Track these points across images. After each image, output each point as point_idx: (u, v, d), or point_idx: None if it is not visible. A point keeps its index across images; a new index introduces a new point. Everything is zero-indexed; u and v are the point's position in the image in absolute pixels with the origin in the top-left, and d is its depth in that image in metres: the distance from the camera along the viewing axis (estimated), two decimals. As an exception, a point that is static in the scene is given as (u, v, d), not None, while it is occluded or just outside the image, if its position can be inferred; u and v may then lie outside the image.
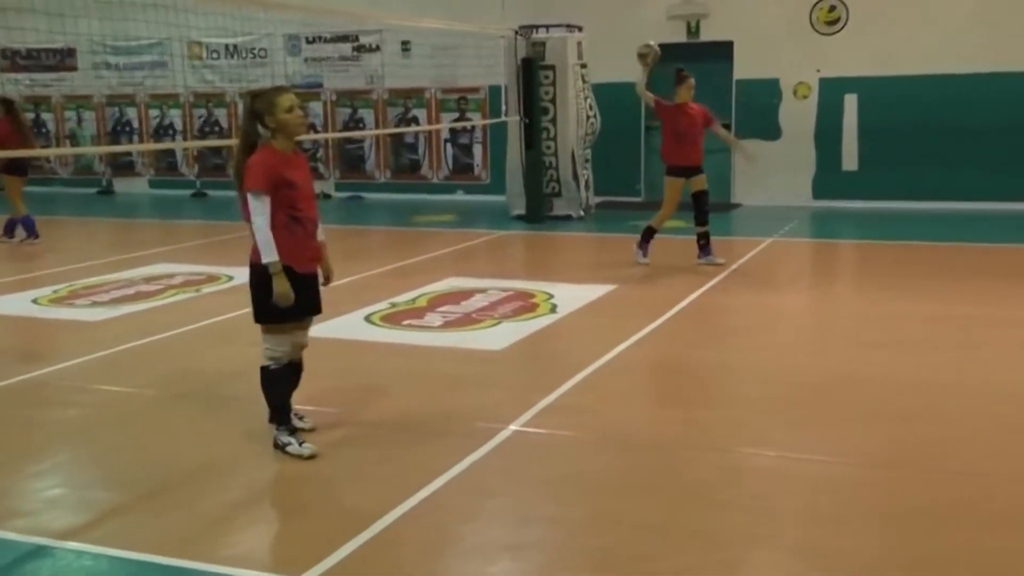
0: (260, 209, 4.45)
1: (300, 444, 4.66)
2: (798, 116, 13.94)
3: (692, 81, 9.24)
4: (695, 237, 9.41)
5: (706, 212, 9.33)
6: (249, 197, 4.47)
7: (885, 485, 4.24)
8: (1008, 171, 13.05)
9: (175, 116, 17.51)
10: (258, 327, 4.75)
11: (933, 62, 13.18)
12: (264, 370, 4.72)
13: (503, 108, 13.31)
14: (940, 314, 7.39)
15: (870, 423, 5.00)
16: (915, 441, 4.73)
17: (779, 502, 4.11)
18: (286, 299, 4.49)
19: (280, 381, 4.72)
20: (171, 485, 4.37)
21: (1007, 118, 12.96)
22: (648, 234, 9.43)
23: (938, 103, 13.24)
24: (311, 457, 4.60)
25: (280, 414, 4.72)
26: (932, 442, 4.72)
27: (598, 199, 13.93)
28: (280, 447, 4.67)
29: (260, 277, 4.55)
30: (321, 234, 4.81)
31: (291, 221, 4.56)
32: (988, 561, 3.54)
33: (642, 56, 9.44)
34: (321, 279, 4.86)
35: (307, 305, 4.72)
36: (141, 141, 17.56)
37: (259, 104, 4.56)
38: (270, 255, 4.45)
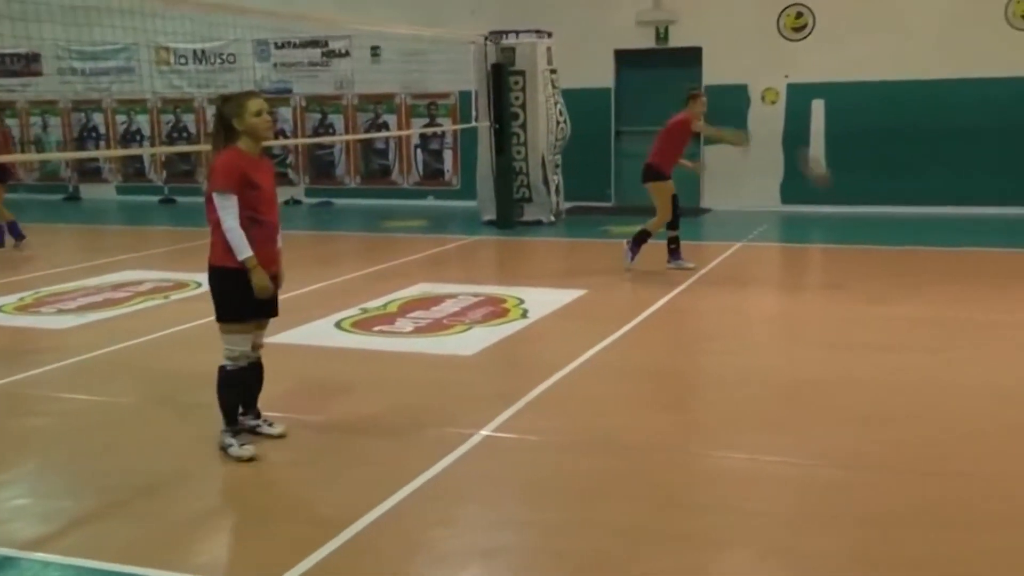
0: (229, 209, 4.53)
1: (240, 446, 4.71)
2: (766, 121, 14.05)
3: (705, 99, 9.49)
4: (665, 242, 9.45)
5: (679, 216, 9.38)
6: (216, 197, 4.53)
7: (858, 487, 4.27)
8: (974, 175, 13.23)
9: (142, 121, 17.37)
10: (227, 334, 4.75)
11: (899, 68, 13.35)
12: (222, 370, 4.77)
13: (473, 114, 13.32)
14: (910, 316, 7.46)
15: (842, 425, 5.04)
16: (887, 443, 4.77)
17: (751, 505, 4.13)
18: (266, 291, 4.60)
19: (236, 383, 4.79)
20: (139, 493, 4.32)
21: (972, 123, 13.13)
22: (642, 238, 9.42)
23: (904, 108, 13.40)
24: (250, 459, 4.65)
25: (230, 416, 4.78)
26: (904, 444, 4.76)
27: (568, 204, 13.96)
28: (223, 448, 4.73)
29: (220, 277, 4.64)
30: (279, 240, 4.87)
31: (251, 223, 4.61)
32: (961, 562, 3.58)
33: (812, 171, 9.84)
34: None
35: (265, 306, 4.79)
36: (108, 147, 17.40)
37: (228, 107, 4.64)
38: (244, 251, 4.54)
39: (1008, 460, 4.53)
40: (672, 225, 9.37)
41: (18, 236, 11.41)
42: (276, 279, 4.88)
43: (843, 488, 4.27)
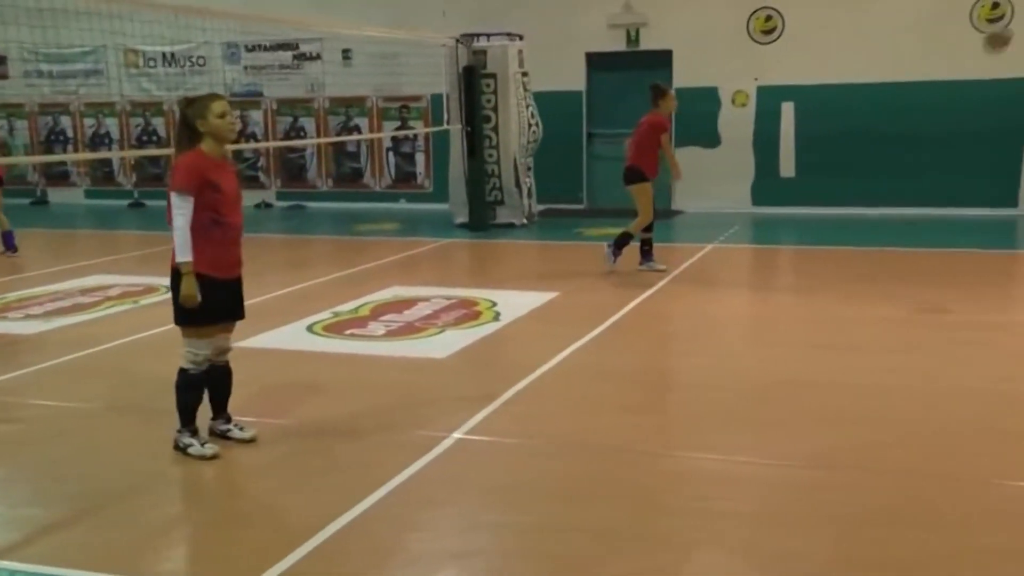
0: (181, 209, 4.52)
1: (203, 444, 4.70)
2: (737, 124, 14.15)
3: (673, 92, 9.43)
4: (639, 243, 9.48)
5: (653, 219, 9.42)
6: (172, 197, 4.54)
7: (829, 487, 4.29)
8: (942, 176, 13.38)
9: (111, 125, 17.22)
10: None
11: (867, 70, 13.48)
12: (183, 373, 4.75)
13: (445, 116, 13.31)
14: (879, 317, 7.53)
15: (813, 426, 5.07)
16: (857, 443, 4.80)
17: (724, 505, 4.14)
18: (192, 300, 4.55)
19: (196, 386, 4.77)
20: (107, 500, 4.28)
21: (940, 126, 13.29)
22: (624, 240, 9.42)
23: (872, 111, 13.53)
24: (213, 457, 4.65)
25: (186, 416, 4.76)
26: (873, 444, 4.79)
27: (541, 207, 13.98)
28: (181, 449, 4.72)
29: (179, 280, 4.61)
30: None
31: (213, 225, 4.60)
32: (934, 562, 3.61)
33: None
34: None
35: (228, 309, 4.77)
36: (76, 150, 17.23)
37: (192, 109, 4.63)
38: (184, 255, 4.53)
39: (976, 460, 4.57)
40: (646, 227, 9.41)
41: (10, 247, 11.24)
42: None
43: (814, 488, 4.29)
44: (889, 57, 13.36)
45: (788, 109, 13.96)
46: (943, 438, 4.86)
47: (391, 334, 7.21)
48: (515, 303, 8.14)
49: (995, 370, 6.08)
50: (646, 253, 9.48)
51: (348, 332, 7.29)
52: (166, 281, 4.81)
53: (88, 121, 17.34)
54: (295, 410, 5.49)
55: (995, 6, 13.04)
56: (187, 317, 4.66)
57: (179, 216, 4.52)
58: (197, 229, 4.55)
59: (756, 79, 14.04)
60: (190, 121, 4.62)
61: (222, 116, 4.61)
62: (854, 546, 3.72)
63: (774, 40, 13.94)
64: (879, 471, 4.46)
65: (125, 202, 16.96)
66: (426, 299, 8.35)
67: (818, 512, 4.03)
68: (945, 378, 5.90)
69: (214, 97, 4.67)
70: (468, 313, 7.84)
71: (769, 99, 14.01)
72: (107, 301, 8.56)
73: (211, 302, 4.60)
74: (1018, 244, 11.98)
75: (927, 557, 3.62)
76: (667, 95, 9.33)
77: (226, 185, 4.67)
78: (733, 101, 14.19)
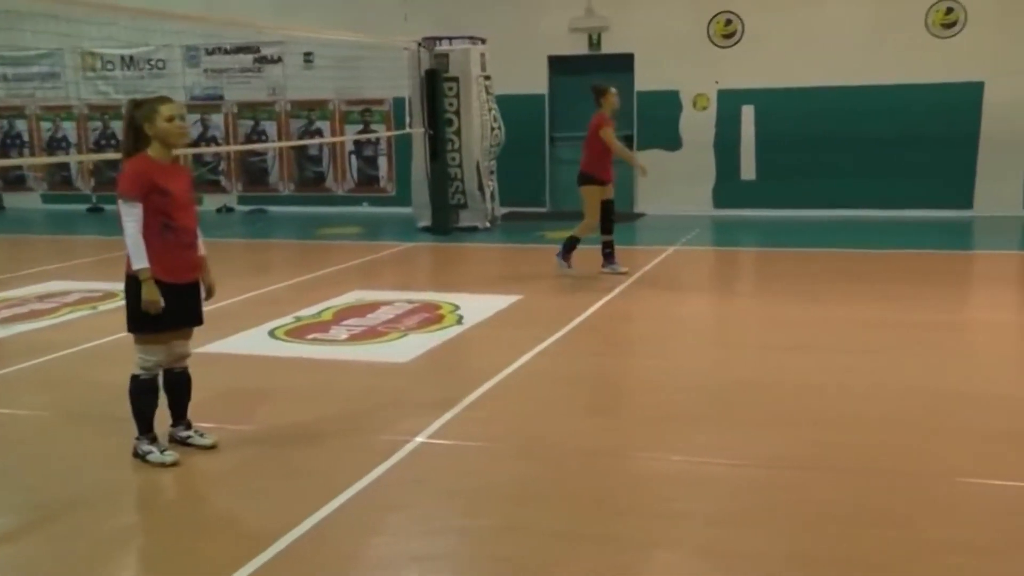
0: (131, 216, 4.46)
1: (162, 452, 4.66)
2: (698, 127, 14.26)
3: (615, 90, 9.38)
4: (600, 246, 9.53)
5: (613, 222, 9.46)
6: (120, 205, 4.48)
7: (788, 487, 4.34)
8: (899, 179, 13.57)
9: (68, 129, 17.00)
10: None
11: (826, 74, 13.65)
12: (135, 379, 4.69)
13: (407, 120, 13.29)
14: (838, 318, 7.62)
15: (772, 426, 5.12)
16: (817, 443, 4.86)
17: (684, 506, 4.18)
18: (155, 306, 4.48)
19: (149, 391, 4.70)
20: (61, 511, 4.22)
21: (897, 129, 13.48)
22: (571, 244, 9.46)
23: (831, 114, 13.70)
24: (173, 464, 4.61)
25: (143, 423, 4.70)
26: (833, 443, 4.85)
27: (504, 210, 14.00)
28: (140, 456, 4.67)
29: (134, 286, 4.54)
30: (202, 248, 4.79)
31: (164, 229, 4.54)
32: (892, 558, 3.65)
33: None
34: (204, 292, 4.82)
35: (183, 315, 4.70)
36: (32, 154, 16.99)
37: (140, 111, 4.55)
38: (139, 262, 4.46)
39: (931, 458, 4.64)
40: (607, 230, 9.45)
41: None
42: (209, 290, 4.83)
43: (773, 488, 4.34)
44: (847, 61, 13.53)
45: (748, 112, 14.10)
46: (899, 437, 4.93)
47: (354, 338, 7.19)
48: (478, 306, 8.14)
49: (949, 369, 6.18)
50: (608, 256, 9.53)
51: (311, 337, 7.25)
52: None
53: (45, 125, 17.11)
54: (256, 416, 5.45)
55: (949, 11, 13.26)
56: (140, 324, 4.59)
57: (129, 223, 4.46)
58: (149, 234, 4.49)
59: (717, 83, 14.16)
60: (138, 124, 4.54)
61: (171, 120, 4.53)
62: (813, 544, 3.76)
63: (734, 44, 14.07)
64: (837, 470, 4.51)
65: (83, 207, 16.76)
66: (389, 303, 8.33)
67: (777, 511, 4.07)
68: (901, 378, 5.98)
69: (163, 100, 4.60)
70: (431, 317, 7.84)
71: (730, 102, 14.13)
72: (65, 307, 8.46)
73: (165, 307, 4.53)
74: (972, 245, 12.18)
75: (885, 554, 3.67)
76: (607, 93, 9.34)
77: (176, 188, 4.59)
78: (694, 104, 14.30)
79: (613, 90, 9.39)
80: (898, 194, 13.58)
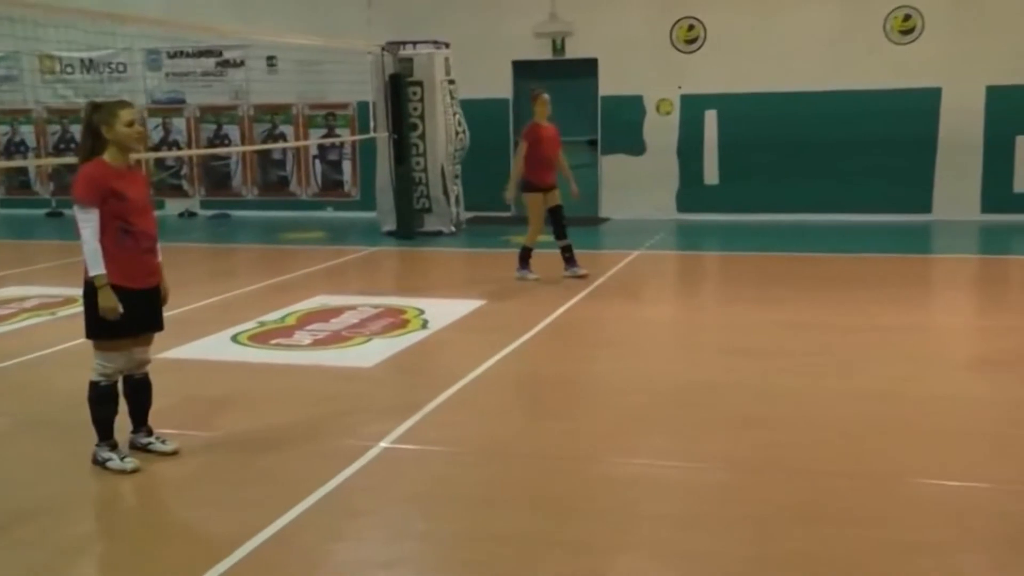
0: (87, 222, 4.43)
1: (122, 459, 4.62)
2: (661, 132, 14.35)
3: (546, 97, 9.36)
4: (560, 250, 9.55)
5: (564, 226, 9.49)
6: (75, 210, 4.45)
7: (750, 488, 4.39)
8: (859, 183, 13.73)
9: (27, 132, 16.78)
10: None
11: (786, 79, 13.78)
12: (94, 386, 4.65)
13: (372, 124, 13.25)
14: (799, 322, 7.71)
15: (734, 429, 5.17)
16: (772, 445, 4.92)
17: (647, 508, 4.21)
18: (112, 313, 4.46)
19: (108, 398, 4.67)
20: (18, 519, 4.16)
21: (857, 134, 13.64)
22: (525, 254, 9.50)
23: (792, 119, 13.84)
24: (134, 471, 4.57)
25: (103, 429, 4.67)
26: (791, 445, 4.91)
27: (468, 214, 14.01)
28: (100, 463, 4.63)
29: (92, 292, 4.51)
30: (158, 253, 4.77)
31: (123, 234, 4.51)
32: (848, 557, 3.71)
33: None
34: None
35: (143, 321, 4.67)
36: (-10, 158, 16.75)
37: (99, 115, 4.53)
38: (95, 268, 4.43)
39: (885, 459, 4.71)
40: (560, 235, 9.47)
41: None
42: (162, 293, 4.80)
43: (732, 489, 4.39)
44: (807, 66, 13.68)
45: (711, 117, 14.20)
46: (854, 438, 5.00)
47: (318, 343, 7.16)
48: (442, 311, 8.14)
49: (903, 371, 6.26)
50: (569, 260, 9.56)
51: (274, 342, 7.22)
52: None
53: (2, 128, 16.88)
54: (219, 421, 5.42)
55: (907, 18, 13.46)
56: (99, 330, 4.56)
57: (85, 229, 4.43)
58: (108, 239, 4.46)
59: (680, 87, 14.25)
60: (95, 127, 4.51)
61: (130, 125, 4.52)
62: (772, 544, 3.81)
63: (697, 49, 14.18)
64: (794, 471, 4.57)
65: (42, 211, 16.54)
66: (353, 308, 8.31)
67: (736, 512, 4.12)
68: (856, 380, 6.07)
69: (123, 104, 4.57)
70: (395, 321, 7.83)
71: (693, 107, 14.24)
72: (23, 313, 8.35)
73: (124, 313, 4.49)
74: (931, 248, 12.37)
75: (841, 553, 3.73)
76: (537, 99, 9.38)
77: (132, 193, 4.56)
78: (658, 109, 14.39)
79: (545, 96, 9.38)
80: (858, 198, 13.75)
